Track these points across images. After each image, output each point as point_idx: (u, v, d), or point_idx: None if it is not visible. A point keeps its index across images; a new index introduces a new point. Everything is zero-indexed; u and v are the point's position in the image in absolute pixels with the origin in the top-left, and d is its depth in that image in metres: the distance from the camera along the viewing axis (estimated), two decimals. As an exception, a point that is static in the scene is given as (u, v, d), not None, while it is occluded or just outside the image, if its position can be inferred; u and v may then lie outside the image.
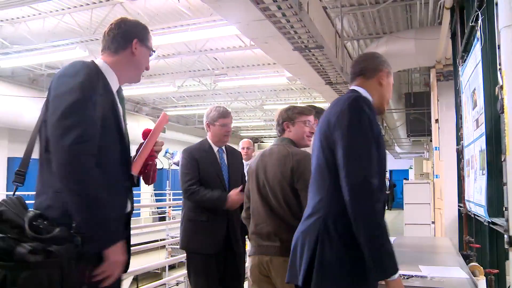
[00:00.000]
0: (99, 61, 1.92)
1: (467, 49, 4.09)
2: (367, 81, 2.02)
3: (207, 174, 3.28)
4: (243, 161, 3.79)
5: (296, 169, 2.58)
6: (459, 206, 5.12)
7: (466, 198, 4.30)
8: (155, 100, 17.04)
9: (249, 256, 2.78)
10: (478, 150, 3.39)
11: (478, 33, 3.13)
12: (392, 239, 3.83)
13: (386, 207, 17.99)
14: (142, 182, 2.06)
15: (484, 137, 3.06)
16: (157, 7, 8.50)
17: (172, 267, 10.39)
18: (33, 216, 1.53)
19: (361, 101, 1.86)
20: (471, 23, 3.45)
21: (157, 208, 16.46)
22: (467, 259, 3.48)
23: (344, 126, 1.79)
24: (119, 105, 1.90)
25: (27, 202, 1.66)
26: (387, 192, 25.82)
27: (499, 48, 2.53)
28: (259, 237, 2.69)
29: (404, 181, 9.26)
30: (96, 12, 8.91)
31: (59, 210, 1.60)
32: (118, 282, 1.75)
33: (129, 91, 12.50)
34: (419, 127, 12.27)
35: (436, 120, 7.51)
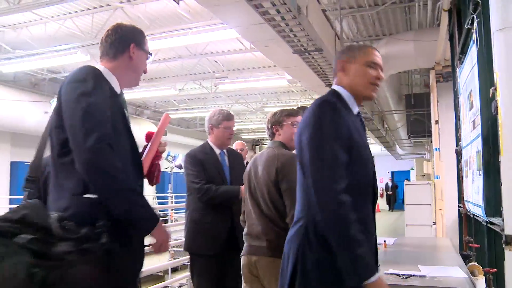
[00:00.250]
0: (100, 66, 1.95)
1: (464, 51, 4.12)
2: (337, 75, 2.00)
3: (211, 176, 3.32)
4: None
5: (280, 170, 2.62)
6: (459, 206, 5.14)
7: (465, 198, 4.33)
8: (156, 103, 17.08)
9: (241, 256, 2.83)
10: (475, 151, 3.43)
11: (474, 36, 3.17)
12: (392, 240, 3.87)
13: (388, 208, 18.02)
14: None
15: (480, 138, 3.10)
16: (158, 11, 8.54)
17: (174, 269, 10.40)
18: (59, 218, 1.59)
19: (325, 105, 1.82)
20: (467, 25, 3.49)
21: (159, 210, 16.48)
22: (466, 259, 3.51)
23: (308, 133, 1.77)
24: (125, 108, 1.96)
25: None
26: (390, 193, 25.83)
27: (494, 50, 2.57)
28: (250, 237, 2.76)
29: (405, 182, 9.27)
30: (97, 17, 8.96)
31: (81, 211, 1.66)
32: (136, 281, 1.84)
33: (130, 94, 12.55)
34: (420, 128, 12.29)
35: (436, 121, 7.54)
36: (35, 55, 10.38)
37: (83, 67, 1.83)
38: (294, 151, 2.77)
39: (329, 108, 1.80)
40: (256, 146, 27.29)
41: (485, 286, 2.89)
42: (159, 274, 10.87)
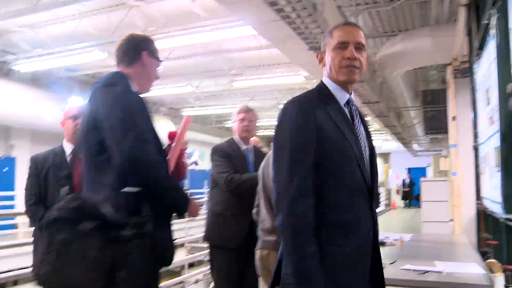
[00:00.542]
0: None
1: (482, 47, 4.09)
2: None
3: (236, 170, 3.36)
4: None
5: None
6: (476, 203, 5.11)
7: (482, 195, 4.30)
8: (172, 100, 17.16)
9: (255, 250, 2.87)
10: (493, 148, 3.41)
11: (493, 31, 3.14)
12: (409, 236, 3.86)
13: (404, 205, 17.95)
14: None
15: (498, 134, 3.07)
16: (173, 9, 8.58)
17: (191, 265, 10.49)
18: (113, 208, 1.77)
19: (289, 104, 1.78)
20: (486, 21, 3.46)
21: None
22: (484, 256, 3.49)
23: (274, 134, 1.80)
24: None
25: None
26: (407, 190, 25.65)
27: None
28: (263, 232, 2.82)
29: (422, 178, 9.20)
30: (113, 15, 9.04)
31: (120, 204, 1.81)
32: (156, 275, 1.99)
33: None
34: (437, 124, 12.17)
35: (453, 118, 7.46)
36: (53, 54, 10.52)
37: (113, 72, 2.05)
38: None
39: (291, 108, 1.74)
40: (271, 143, 27.29)
41: (504, 283, 2.88)
42: (176, 269, 10.99)
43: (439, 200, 8.02)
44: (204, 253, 6.23)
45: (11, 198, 12.66)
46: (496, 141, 3.21)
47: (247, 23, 5.91)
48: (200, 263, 9.78)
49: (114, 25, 9.24)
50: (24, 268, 7.63)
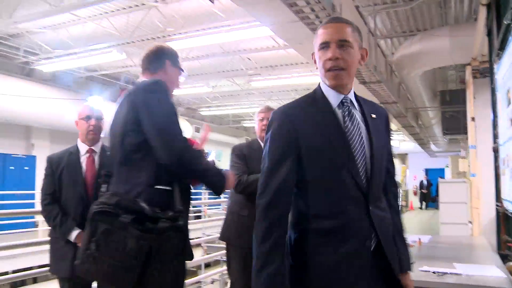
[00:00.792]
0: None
1: (502, 47, 4.06)
2: None
3: (253, 171, 3.36)
4: None
5: None
6: (496, 205, 5.06)
7: (503, 197, 4.26)
8: (190, 100, 17.28)
9: None
10: (513, 149, 3.38)
11: (513, 32, 3.12)
12: (427, 237, 3.85)
13: (421, 207, 17.71)
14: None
15: (519, 136, 3.05)
16: (192, 9, 8.67)
17: (207, 265, 10.55)
18: (147, 204, 1.93)
19: (273, 113, 1.77)
20: (507, 21, 3.43)
21: (193, 206, 16.68)
22: (505, 258, 3.47)
23: None
24: None
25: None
26: (424, 191, 25.41)
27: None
28: None
29: (439, 180, 9.12)
30: (132, 16, 9.17)
31: (153, 199, 1.98)
32: (185, 268, 2.14)
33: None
34: (455, 125, 12.07)
35: (472, 118, 7.38)
36: (73, 54, 10.68)
37: (153, 80, 2.21)
38: None
39: (273, 118, 1.74)
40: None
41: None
42: (192, 269, 11.06)
43: (458, 202, 7.93)
44: (220, 253, 6.26)
45: (31, 196, 12.87)
46: (516, 142, 3.19)
47: (264, 24, 5.93)
48: (216, 263, 9.84)
49: (133, 26, 9.36)
50: (43, 266, 7.77)
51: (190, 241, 2.20)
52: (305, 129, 1.67)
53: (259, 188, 1.68)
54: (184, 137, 2.07)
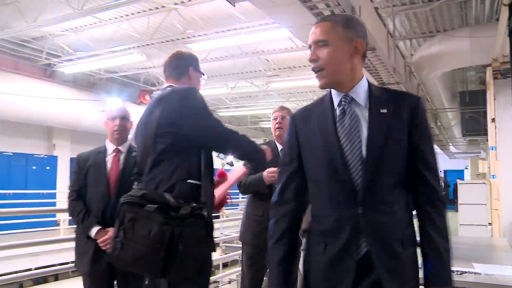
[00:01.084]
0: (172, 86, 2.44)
1: (523, 48, 4.05)
2: None
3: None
4: None
5: None
6: (516, 206, 5.04)
7: (523, 198, 4.26)
8: (208, 101, 17.34)
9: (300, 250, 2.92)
10: (534, 150, 3.38)
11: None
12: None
13: None
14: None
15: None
16: (211, 11, 8.74)
17: (225, 265, 10.62)
18: (173, 196, 2.09)
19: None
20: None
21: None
22: (524, 259, 3.46)
23: None
24: None
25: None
26: (443, 193, 25.19)
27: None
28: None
29: (458, 181, 9.07)
30: (152, 18, 9.29)
31: (184, 192, 2.14)
32: (210, 257, 2.27)
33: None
34: (475, 126, 11.96)
35: (493, 119, 7.35)
36: (94, 56, 10.86)
37: (190, 87, 2.36)
38: None
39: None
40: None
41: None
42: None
43: (477, 203, 7.90)
44: (238, 253, 6.31)
45: (53, 195, 13.10)
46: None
47: (284, 26, 5.99)
48: (234, 263, 9.90)
49: (153, 28, 9.48)
50: (64, 263, 7.89)
51: None
52: (305, 130, 1.72)
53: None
54: (230, 130, 2.34)
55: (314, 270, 1.68)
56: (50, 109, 11.52)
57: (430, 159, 1.65)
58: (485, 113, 8.91)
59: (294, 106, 17.33)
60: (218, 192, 2.50)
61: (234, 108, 17.86)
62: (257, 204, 3.38)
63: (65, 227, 10.91)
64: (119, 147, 3.13)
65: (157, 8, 8.80)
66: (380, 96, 1.66)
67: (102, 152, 3.13)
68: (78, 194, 3.05)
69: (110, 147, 3.14)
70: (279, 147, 3.42)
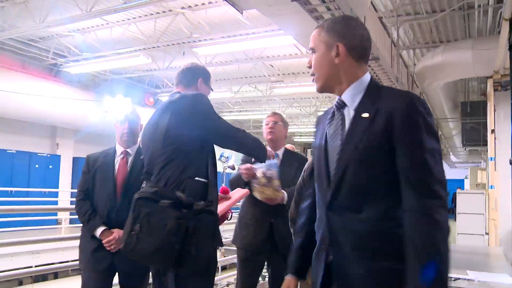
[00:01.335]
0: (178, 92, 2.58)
1: (522, 63, 4.13)
2: None
3: None
4: None
5: None
6: (512, 217, 5.12)
7: (518, 209, 4.34)
8: (212, 105, 17.45)
9: None
10: (529, 162, 3.46)
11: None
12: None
13: None
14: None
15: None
16: (217, 16, 8.84)
17: (224, 267, 10.65)
18: (182, 193, 2.20)
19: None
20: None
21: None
22: (518, 268, 3.53)
23: None
24: None
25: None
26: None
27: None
28: None
29: (458, 190, 9.15)
30: (159, 21, 9.39)
31: (193, 188, 2.26)
32: (216, 252, 2.38)
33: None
34: (475, 136, 12.01)
35: (492, 131, 7.42)
36: (100, 57, 10.96)
37: (199, 93, 2.49)
38: None
39: None
40: (308, 149, 27.38)
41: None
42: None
43: (475, 213, 7.96)
44: (235, 256, 6.35)
45: (55, 194, 13.17)
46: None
47: (289, 34, 6.08)
48: (232, 266, 9.94)
49: (160, 31, 9.58)
50: (65, 262, 7.94)
51: None
52: (316, 133, 1.79)
53: None
54: (237, 128, 2.49)
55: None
56: (54, 108, 11.61)
57: (409, 167, 1.48)
58: (485, 123, 8.98)
59: (297, 111, 17.45)
60: (220, 208, 2.58)
61: (237, 112, 17.95)
62: (247, 208, 3.41)
63: (66, 226, 10.98)
64: (127, 150, 3.19)
65: (164, 11, 8.92)
66: (372, 98, 1.59)
67: (111, 154, 3.19)
68: (85, 194, 3.10)
69: (119, 149, 3.20)
70: (272, 152, 3.25)
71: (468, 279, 2.46)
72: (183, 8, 8.64)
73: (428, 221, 1.41)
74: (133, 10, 8.64)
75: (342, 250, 1.56)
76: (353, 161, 1.55)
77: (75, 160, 14.17)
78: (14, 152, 12.46)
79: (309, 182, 1.88)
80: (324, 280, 1.61)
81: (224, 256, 9.53)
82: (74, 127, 13.23)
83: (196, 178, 2.29)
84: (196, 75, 2.63)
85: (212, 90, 2.75)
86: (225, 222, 2.77)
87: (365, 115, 1.56)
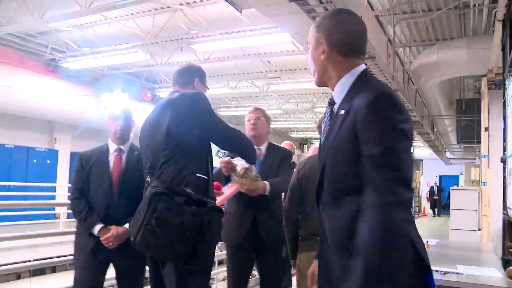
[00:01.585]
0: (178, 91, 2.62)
1: (514, 64, 4.22)
2: None
3: None
4: None
5: None
6: (503, 213, 5.22)
7: (508, 205, 4.44)
8: (209, 100, 17.50)
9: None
10: (518, 161, 3.57)
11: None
12: (435, 241, 4.04)
13: (433, 214, 17.52)
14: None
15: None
16: (216, 13, 8.89)
17: (220, 262, 10.72)
18: (192, 189, 2.28)
19: None
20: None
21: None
22: (507, 263, 3.65)
23: None
24: None
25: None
26: (435, 197, 25.34)
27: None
28: None
29: (451, 187, 9.28)
30: (157, 18, 9.42)
31: (195, 184, 2.32)
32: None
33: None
34: (470, 133, 12.14)
35: (486, 128, 7.51)
36: (98, 53, 11.01)
37: (197, 91, 2.54)
38: None
39: None
40: (304, 145, 27.50)
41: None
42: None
43: (468, 209, 8.09)
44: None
45: (53, 189, 13.23)
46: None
47: (287, 32, 6.16)
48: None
49: (158, 27, 9.63)
50: (62, 256, 7.98)
51: None
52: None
53: None
54: (233, 129, 2.56)
55: None
56: (52, 103, 11.63)
57: (368, 164, 1.45)
58: (480, 121, 9.08)
59: (294, 107, 17.53)
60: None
61: (234, 108, 18.01)
62: (231, 203, 3.41)
63: (64, 220, 11.04)
64: (120, 147, 3.20)
65: (162, 8, 8.95)
66: (352, 95, 1.57)
67: (105, 151, 3.19)
68: (80, 193, 3.12)
69: (112, 146, 3.20)
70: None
71: (457, 273, 2.58)
72: (181, 4, 8.70)
73: (378, 217, 1.37)
74: (131, 6, 8.69)
75: (327, 245, 1.61)
76: (328, 159, 1.59)
77: (73, 155, 14.19)
78: (12, 147, 12.50)
79: None
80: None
81: (221, 251, 9.60)
82: (72, 122, 13.25)
83: (197, 175, 2.35)
84: (192, 75, 2.69)
85: (208, 88, 2.81)
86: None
87: (341, 112, 1.56)
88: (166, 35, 10.05)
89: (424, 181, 27.40)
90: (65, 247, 9.11)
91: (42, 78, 11.45)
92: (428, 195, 26.10)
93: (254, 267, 3.59)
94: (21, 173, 12.64)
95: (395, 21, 7.86)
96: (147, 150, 2.51)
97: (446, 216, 21.04)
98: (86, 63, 11.57)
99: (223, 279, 8.76)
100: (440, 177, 27.28)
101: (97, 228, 2.98)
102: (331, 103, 1.67)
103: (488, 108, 7.59)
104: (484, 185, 7.29)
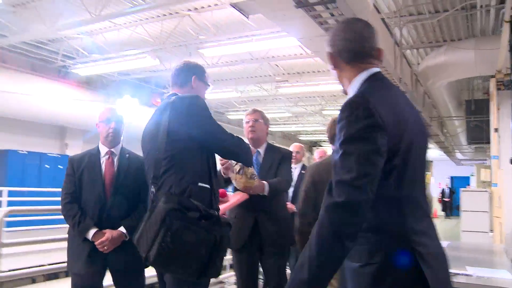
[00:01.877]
0: (173, 93, 2.59)
1: (522, 64, 4.22)
2: None
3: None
4: (292, 164, 3.81)
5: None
6: (514, 214, 5.21)
7: (519, 206, 4.44)
8: (218, 104, 17.60)
9: None
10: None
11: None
12: (445, 243, 4.02)
13: (446, 215, 17.36)
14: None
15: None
16: (223, 18, 8.93)
17: (231, 266, 10.71)
18: (200, 204, 2.26)
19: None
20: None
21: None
22: (518, 264, 3.63)
23: None
24: None
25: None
26: (446, 199, 25.15)
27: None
28: None
29: (462, 189, 9.23)
30: (166, 23, 9.51)
31: (196, 193, 2.32)
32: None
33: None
34: (480, 134, 12.05)
35: (496, 129, 7.48)
36: (108, 59, 11.12)
37: (192, 95, 2.48)
38: None
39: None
40: (313, 148, 27.48)
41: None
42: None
43: (479, 211, 8.04)
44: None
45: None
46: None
47: (294, 37, 6.19)
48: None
49: (167, 33, 9.71)
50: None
51: None
52: None
53: None
54: (231, 134, 2.50)
55: None
56: (63, 109, 11.78)
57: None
58: (489, 122, 9.04)
59: (302, 110, 17.54)
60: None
61: (243, 111, 17.97)
62: (234, 207, 3.35)
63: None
64: (112, 150, 3.15)
65: (170, 14, 9.03)
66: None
67: (96, 154, 3.13)
68: (72, 197, 3.03)
69: (103, 149, 3.15)
70: (253, 149, 3.39)
71: (466, 275, 2.58)
72: (189, 10, 8.76)
73: (320, 216, 1.49)
74: (140, 13, 8.77)
75: None
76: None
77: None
78: (26, 153, 12.62)
79: None
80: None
81: (231, 255, 9.58)
82: (82, 128, 13.33)
83: (200, 184, 2.34)
84: (189, 74, 2.62)
85: (209, 85, 2.72)
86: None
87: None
88: (175, 40, 10.12)
89: (436, 182, 27.22)
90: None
91: (53, 84, 11.61)
92: (440, 197, 25.93)
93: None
94: (34, 179, 12.73)
95: (402, 23, 7.85)
96: (149, 157, 2.49)
97: (459, 217, 20.92)
98: (96, 69, 11.68)
99: (235, 283, 8.80)
100: (452, 178, 27.10)
101: (91, 232, 2.91)
102: None
103: (498, 109, 7.57)
104: (495, 186, 7.26)
